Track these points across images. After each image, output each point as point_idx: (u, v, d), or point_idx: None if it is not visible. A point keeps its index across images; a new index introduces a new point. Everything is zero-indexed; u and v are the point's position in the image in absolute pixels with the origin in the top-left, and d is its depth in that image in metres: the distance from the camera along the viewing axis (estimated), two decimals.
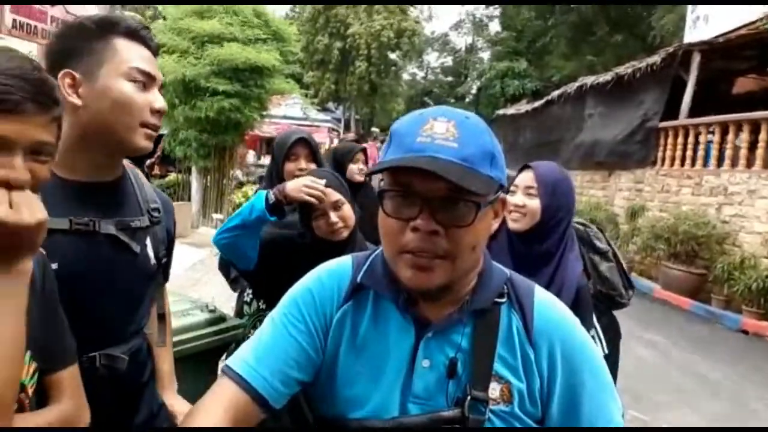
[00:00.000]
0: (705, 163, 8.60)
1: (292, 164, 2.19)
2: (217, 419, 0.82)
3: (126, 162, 1.29)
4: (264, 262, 1.76)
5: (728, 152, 8.18)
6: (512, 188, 1.77)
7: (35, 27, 3.09)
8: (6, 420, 0.76)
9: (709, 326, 6.60)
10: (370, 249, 1.01)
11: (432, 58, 38.88)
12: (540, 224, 1.70)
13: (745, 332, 6.35)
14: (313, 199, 1.64)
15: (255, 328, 1.87)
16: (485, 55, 33.13)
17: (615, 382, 1.14)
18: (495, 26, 31.79)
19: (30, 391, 0.88)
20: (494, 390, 0.84)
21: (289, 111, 14.29)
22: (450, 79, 36.90)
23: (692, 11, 10.82)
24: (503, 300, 0.90)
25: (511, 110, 19.21)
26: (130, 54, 1.12)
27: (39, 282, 0.92)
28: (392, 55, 28.18)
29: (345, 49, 26.18)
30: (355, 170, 2.81)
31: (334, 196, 1.69)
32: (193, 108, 8.57)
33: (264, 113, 9.94)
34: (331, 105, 28.80)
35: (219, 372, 0.93)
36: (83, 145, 1.13)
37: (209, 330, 2.00)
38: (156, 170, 11.94)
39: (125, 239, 1.18)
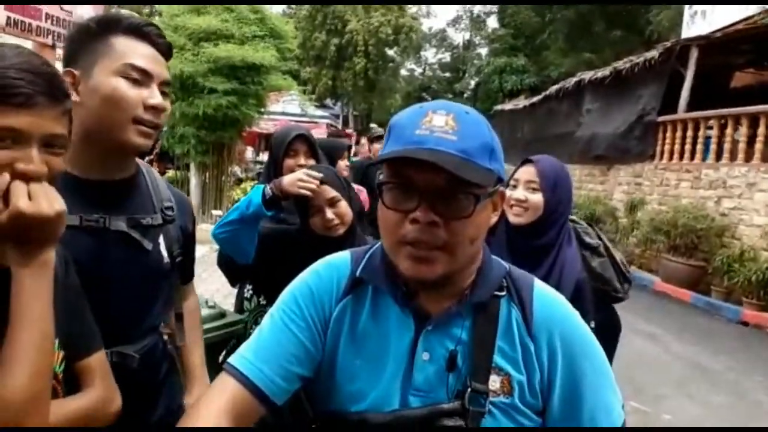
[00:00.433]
0: (704, 157, 8.62)
1: (292, 160, 2.18)
2: (218, 416, 0.81)
3: (140, 161, 1.30)
4: (262, 257, 1.76)
5: (727, 146, 8.19)
6: (512, 182, 1.77)
7: (29, 24, 3.08)
8: (44, 406, 0.78)
9: (709, 318, 6.62)
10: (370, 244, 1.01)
11: (430, 54, 38.82)
12: (541, 219, 1.70)
13: (746, 324, 6.37)
14: (308, 193, 1.64)
15: (255, 323, 1.87)
16: (483, 51, 33.08)
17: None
18: (493, 22, 31.73)
19: (60, 378, 0.91)
20: (494, 382, 0.84)
21: (287, 107, 14.25)
22: (448, 75, 36.84)
23: (689, 7, 10.82)
24: (503, 293, 0.90)
25: (509, 106, 19.23)
26: (126, 51, 1.12)
27: (61, 272, 0.93)
28: (390, 52, 28.14)
29: (342, 46, 26.14)
30: (343, 166, 2.89)
31: (330, 192, 1.68)
32: (190, 104, 8.55)
33: (262, 110, 9.93)
34: (329, 101, 28.77)
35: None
36: (86, 142, 1.13)
37: (210, 326, 2.00)
38: (154, 167, 11.90)
39: (136, 236, 1.17)
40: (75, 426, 0.89)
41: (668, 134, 9.50)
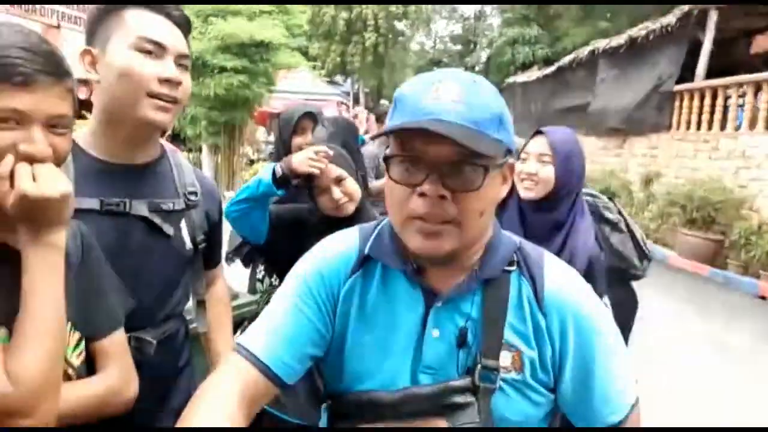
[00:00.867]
0: (722, 127, 8.41)
1: (300, 138, 2.19)
2: (229, 396, 0.81)
3: (168, 145, 1.28)
4: (274, 236, 1.76)
5: (746, 114, 7.97)
6: (523, 155, 1.72)
7: (34, 8, 3.07)
8: (56, 387, 0.78)
9: (726, 292, 6.55)
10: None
11: (440, 26, 38.14)
12: (553, 193, 1.66)
13: (763, 298, 6.29)
14: (317, 171, 1.63)
15: (267, 304, 1.88)
16: (495, 22, 32.43)
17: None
18: None
19: (76, 362, 0.90)
20: (505, 358, 0.84)
21: (297, 85, 14.17)
22: (459, 47, 36.23)
23: None
24: (513, 268, 0.88)
25: (521, 78, 18.86)
26: (140, 23, 1.09)
27: (77, 253, 0.93)
28: (399, 25, 27.68)
29: (351, 20, 25.76)
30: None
31: (335, 171, 1.67)
32: (200, 84, 8.53)
33: (272, 88, 9.88)
34: (338, 78, 28.51)
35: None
36: (106, 123, 1.13)
37: None
38: None
39: (158, 221, 1.16)
40: (86, 410, 0.89)
41: (685, 103, 9.26)
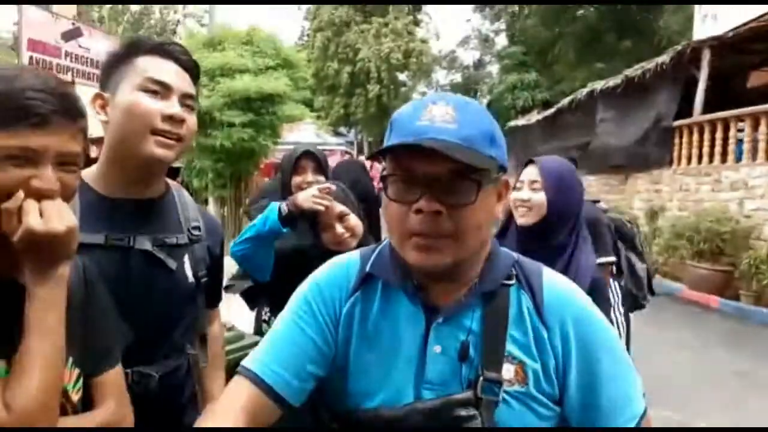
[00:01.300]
0: (723, 159, 8.46)
1: (299, 177, 2.21)
2: (234, 418, 0.81)
3: (173, 183, 1.32)
4: (277, 273, 1.78)
5: (746, 146, 8.03)
6: (518, 184, 1.78)
7: (50, 62, 3.23)
8: (52, 418, 0.78)
9: (739, 323, 6.41)
10: None
11: (441, 76, 39.05)
12: (548, 218, 1.70)
13: None
14: (322, 208, 1.67)
15: None
16: (494, 69, 33.21)
17: None
18: (502, 40, 31.86)
19: (75, 397, 0.90)
20: (508, 371, 0.84)
21: (302, 137, 14.45)
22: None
23: (699, 10, 10.75)
24: (512, 282, 0.90)
25: (522, 121, 19.17)
26: (147, 67, 1.15)
27: (79, 287, 0.94)
28: (401, 76, 28.42)
29: (354, 73, 26.53)
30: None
31: (338, 207, 1.71)
32: (207, 137, 8.71)
33: (277, 140, 10.06)
34: (342, 129, 29.08)
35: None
36: (112, 160, 1.17)
37: (229, 348, 2.01)
38: None
39: (161, 256, 1.18)
40: None
41: (685, 138, 9.36)
